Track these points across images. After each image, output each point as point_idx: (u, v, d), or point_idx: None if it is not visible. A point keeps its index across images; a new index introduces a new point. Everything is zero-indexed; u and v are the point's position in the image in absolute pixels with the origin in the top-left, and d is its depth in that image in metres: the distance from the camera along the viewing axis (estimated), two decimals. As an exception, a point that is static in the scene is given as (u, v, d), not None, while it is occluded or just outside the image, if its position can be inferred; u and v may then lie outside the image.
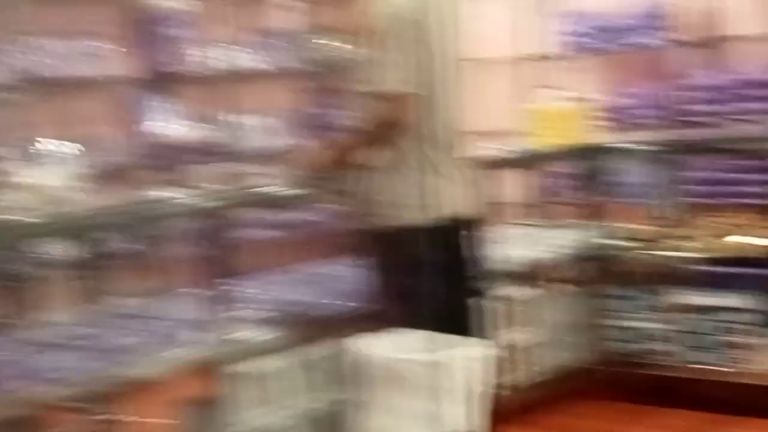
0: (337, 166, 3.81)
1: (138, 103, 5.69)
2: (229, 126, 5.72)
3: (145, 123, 5.64)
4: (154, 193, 4.09)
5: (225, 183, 3.91)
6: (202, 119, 5.72)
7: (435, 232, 3.70)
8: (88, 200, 3.54)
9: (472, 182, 4.02)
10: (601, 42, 6.58)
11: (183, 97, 5.77)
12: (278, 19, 6.32)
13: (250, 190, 3.93)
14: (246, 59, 5.98)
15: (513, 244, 4.86)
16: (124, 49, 5.62)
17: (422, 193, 3.67)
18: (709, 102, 6.01)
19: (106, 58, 5.57)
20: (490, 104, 7.11)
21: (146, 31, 5.70)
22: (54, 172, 3.71)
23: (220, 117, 5.67)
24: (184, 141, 5.62)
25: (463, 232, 3.87)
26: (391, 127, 3.61)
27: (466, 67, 6.65)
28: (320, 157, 3.87)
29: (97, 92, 5.57)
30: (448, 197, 3.78)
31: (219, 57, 5.69)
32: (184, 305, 3.87)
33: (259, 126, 6.08)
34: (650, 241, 4.87)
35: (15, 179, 3.51)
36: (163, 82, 5.70)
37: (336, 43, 6.25)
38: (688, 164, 5.87)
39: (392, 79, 3.56)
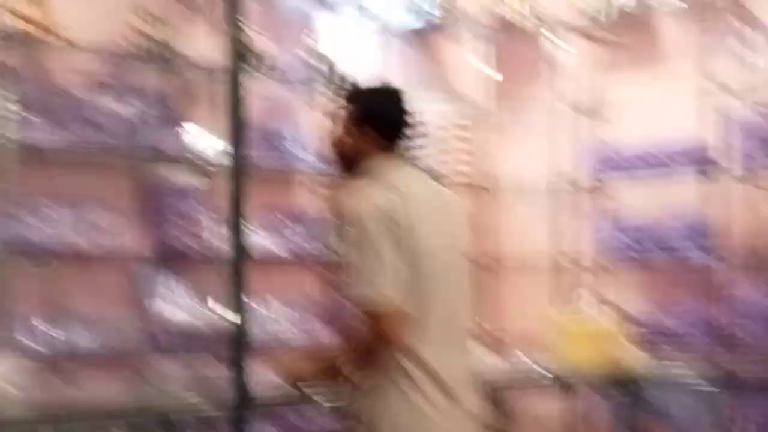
0: (323, 376, 3.39)
1: (144, 282, 5.30)
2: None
3: (152, 303, 5.24)
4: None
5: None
6: (211, 302, 5.32)
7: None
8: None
9: (485, 406, 3.48)
10: (642, 252, 6.14)
11: (192, 278, 5.37)
12: (296, 201, 5.95)
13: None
14: (260, 241, 5.63)
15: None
16: (132, 223, 5.25)
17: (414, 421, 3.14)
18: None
19: (113, 230, 5.20)
20: (517, 310, 6.67)
21: (157, 205, 5.36)
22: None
23: (229, 302, 5.27)
24: (191, 326, 5.21)
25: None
26: (372, 346, 3.13)
27: (493, 269, 6.30)
28: (306, 364, 3.45)
29: (101, 267, 5.16)
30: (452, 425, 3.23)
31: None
32: None
33: (269, 314, 5.69)
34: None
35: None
36: (172, 260, 5.32)
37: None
38: (747, 400, 5.30)
39: (373, 292, 3.07)
